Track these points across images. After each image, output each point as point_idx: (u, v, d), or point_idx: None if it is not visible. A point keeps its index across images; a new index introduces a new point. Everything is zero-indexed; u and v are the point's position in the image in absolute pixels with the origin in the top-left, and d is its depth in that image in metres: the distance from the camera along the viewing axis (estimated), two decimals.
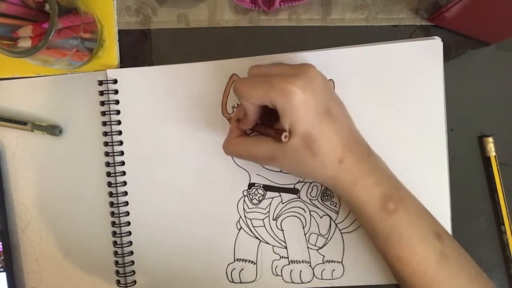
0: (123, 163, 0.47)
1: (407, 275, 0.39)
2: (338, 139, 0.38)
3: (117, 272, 0.47)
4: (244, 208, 0.47)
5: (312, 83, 0.36)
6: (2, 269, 0.47)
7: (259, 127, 0.41)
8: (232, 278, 0.47)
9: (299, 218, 0.46)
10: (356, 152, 0.39)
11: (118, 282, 0.47)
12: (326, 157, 0.37)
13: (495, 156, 0.46)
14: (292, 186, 0.46)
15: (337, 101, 0.40)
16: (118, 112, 0.47)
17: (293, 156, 0.38)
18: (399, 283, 0.42)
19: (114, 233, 0.47)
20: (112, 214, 0.47)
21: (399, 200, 0.39)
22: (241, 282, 0.47)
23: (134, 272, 0.47)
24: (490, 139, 0.47)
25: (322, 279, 0.46)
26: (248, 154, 0.40)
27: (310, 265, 0.46)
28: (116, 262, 0.47)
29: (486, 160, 0.47)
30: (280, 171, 0.46)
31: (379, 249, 0.41)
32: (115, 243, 0.47)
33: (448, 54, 0.46)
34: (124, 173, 0.47)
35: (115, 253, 0.47)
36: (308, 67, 0.37)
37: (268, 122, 0.41)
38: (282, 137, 0.36)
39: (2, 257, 0.47)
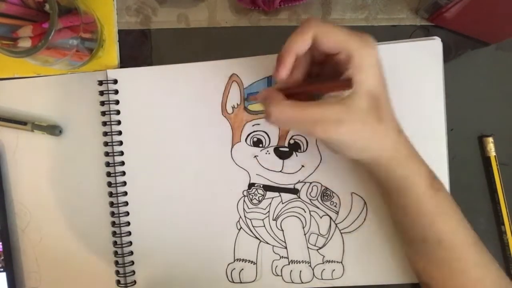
0: (123, 163, 0.47)
1: (447, 259, 0.39)
2: (393, 114, 0.38)
3: (117, 272, 0.47)
4: (244, 208, 0.47)
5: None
6: (2, 269, 0.47)
7: (309, 85, 0.37)
8: (232, 278, 0.47)
9: (299, 218, 0.47)
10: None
11: (118, 282, 0.47)
12: (389, 124, 0.37)
13: (495, 156, 0.46)
14: (292, 186, 0.46)
15: None
16: (118, 112, 0.47)
17: (361, 119, 0.34)
18: (430, 273, 0.41)
19: (114, 233, 0.47)
20: (112, 214, 0.47)
21: (439, 180, 0.39)
22: (241, 282, 0.47)
23: (134, 272, 0.47)
24: (490, 139, 0.47)
25: (322, 279, 0.46)
26: (310, 119, 0.34)
27: (310, 265, 0.46)
28: (116, 262, 0.47)
29: (486, 160, 0.47)
30: (280, 170, 0.46)
31: (419, 232, 0.40)
32: (115, 243, 0.47)
33: (448, 54, 0.46)
34: (124, 173, 0.47)
35: (115, 253, 0.47)
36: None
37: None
38: (347, 82, 0.33)
39: (2, 257, 0.47)
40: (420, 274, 0.42)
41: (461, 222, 0.39)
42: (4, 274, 0.47)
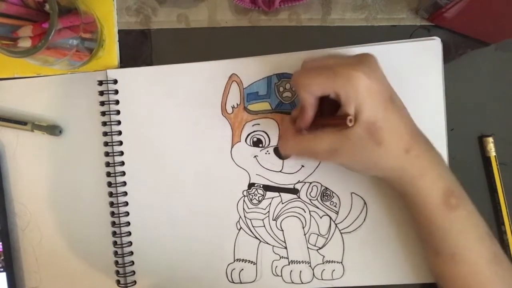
0: (123, 163, 0.47)
1: (461, 274, 0.38)
2: (404, 128, 0.37)
3: (117, 272, 0.47)
4: (244, 208, 0.47)
5: (376, 70, 0.37)
6: (2, 269, 0.47)
7: (317, 120, 0.39)
8: (232, 278, 0.47)
9: (299, 218, 0.46)
10: (421, 143, 0.38)
11: (118, 282, 0.47)
12: (392, 146, 0.36)
13: (495, 156, 0.46)
14: (292, 186, 0.46)
15: (395, 92, 0.39)
16: (118, 112, 0.47)
17: (357, 146, 0.36)
18: (445, 283, 0.41)
19: (114, 233, 0.47)
20: (112, 214, 0.47)
21: (461, 196, 0.38)
22: (241, 282, 0.47)
23: (134, 272, 0.47)
24: (490, 139, 0.47)
25: (322, 279, 0.46)
26: (308, 150, 0.39)
27: (310, 266, 0.46)
28: (116, 262, 0.47)
29: (486, 160, 0.47)
30: (280, 170, 0.46)
31: (433, 245, 0.40)
32: (115, 243, 0.47)
33: (448, 54, 0.46)
34: (124, 173, 0.47)
35: (115, 253, 0.47)
36: (369, 56, 0.37)
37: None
38: (347, 120, 0.35)
39: (2, 257, 0.47)
40: (439, 285, 0.43)
41: (480, 237, 0.38)
42: (4, 274, 0.47)
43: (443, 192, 0.38)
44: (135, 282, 0.47)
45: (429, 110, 0.45)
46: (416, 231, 0.44)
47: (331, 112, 0.39)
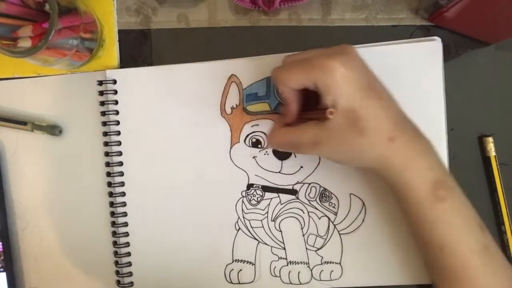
0: (121, 163, 0.47)
1: (450, 266, 0.38)
2: (386, 116, 0.36)
3: (117, 272, 0.47)
4: (242, 209, 0.47)
5: (353, 59, 0.36)
6: (2, 269, 0.47)
7: (302, 114, 0.40)
8: (230, 279, 0.47)
9: (298, 219, 0.46)
10: (408, 132, 0.37)
11: (118, 282, 0.47)
12: (374, 135, 0.36)
13: (495, 156, 0.46)
14: (290, 187, 0.46)
15: (380, 81, 0.39)
16: (117, 113, 0.47)
17: (339, 136, 0.36)
18: (436, 277, 0.41)
19: (114, 233, 0.47)
20: (112, 214, 0.47)
21: (450, 187, 0.38)
22: (239, 283, 0.47)
23: (131, 273, 0.47)
24: (490, 139, 0.46)
25: (321, 280, 0.46)
26: (292, 142, 0.40)
27: (308, 266, 0.46)
28: (116, 262, 0.47)
29: (486, 160, 0.47)
30: (279, 171, 0.46)
31: (421, 236, 0.40)
32: (115, 243, 0.47)
33: (448, 54, 0.46)
34: (122, 173, 0.47)
35: (115, 253, 0.47)
36: (347, 46, 0.37)
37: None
38: (327, 112, 0.35)
39: (2, 257, 0.47)
40: (431, 279, 0.42)
41: (470, 229, 0.38)
42: (4, 274, 0.47)
43: (432, 184, 0.37)
44: (132, 283, 0.47)
45: (429, 110, 0.45)
46: (406, 223, 0.43)
47: (315, 106, 0.39)
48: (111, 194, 0.47)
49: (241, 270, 0.47)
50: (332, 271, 0.46)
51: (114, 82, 0.47)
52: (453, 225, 0.37)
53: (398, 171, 0.37)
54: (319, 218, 0.46)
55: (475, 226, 0.38)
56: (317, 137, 0.37)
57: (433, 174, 0.37)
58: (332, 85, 0.35)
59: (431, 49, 0.45)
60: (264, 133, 0.46)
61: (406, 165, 0.37)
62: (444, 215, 0.37)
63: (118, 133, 0.47)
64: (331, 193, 0.46)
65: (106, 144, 0.47)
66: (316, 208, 0.46)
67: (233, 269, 0.47)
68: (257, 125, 0.46)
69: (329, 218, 0.46)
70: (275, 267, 0.47)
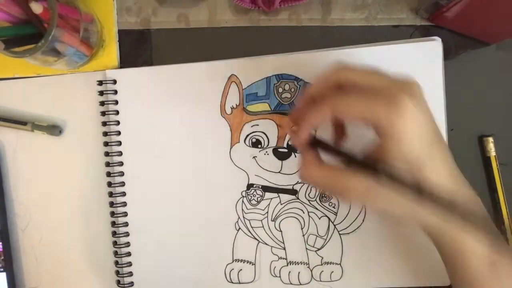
0: (122, 163, 0.47)
1: None
2: (448, 169, 0.32)
3: (117, 272, 0.47)
4: (242, 209, 0.47)
5: (420, 97, 0.31)
6: (2, 269, 0.47)
7: (349, 158, 0.33)
8: (230, 279, 0.47)
9: (298, 219, 0.46)
10: (465, 187, 0.33)
11: (118, 282, 0.47)
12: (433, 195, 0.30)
13: (495, 156, 0.46)
14: (290, 187, 0.46)
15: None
16: (117, 113, 0.47)
17: (394, 188, 0.30)
18: None
19: (114, 233, 0.47)
20: (112, 214, 0.47)
21: (506, 250, 0.34)
22: (239, 283, 0.47)
23: (131, 273, 0.47)
24: (490, 139, 0.46)
25: (321, 281, 0.46)
26: (335, 187, 0.33)
27: (308, 267, 0.46)
28: (116, 262, 0.47)
29: (486, 160, 0.47)
30: (279, 171, 0.46)
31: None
32: (115, 243, 0.47)
33: (448, 54, 0.46)
34: (122, 173, 0.47)
35: (115, 253, 0.47)
36: (413, 81, 0.32)
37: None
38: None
39: (2, 257, 0.47)
40: None
41: None
42: (4, 274, 0.47)
43: (489, 250, 0.33)
44: (132, 283, 0.47)
45: None
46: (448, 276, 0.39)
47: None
48: (111, 194, 0.47)
49: (241, 270, 0.47)
50: (332, 272, 0.46)
51: (114, 82, 0.47)
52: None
53: (457, 235, 0.33)
54: (319, 218, 0.46)
55: None
56: (370, 189, 0.31)
57: (488, 239, 0.33)
58: (400, 131, 0.30)
59: (431, 49, 0.45)
60: (264, 133, 0.46)
61: (467, 230, 0.32)
62: (501, 280, 0.34)
63: (118, 133, 0.47)
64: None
65: (106, 144, 0.47)
66: (316, 208, 0.46)
67: (233, 269, 0.47)
68: (257, 125, 0.46)
69: (329, 218, 0.46)
70: (275, 267, 0.47)
